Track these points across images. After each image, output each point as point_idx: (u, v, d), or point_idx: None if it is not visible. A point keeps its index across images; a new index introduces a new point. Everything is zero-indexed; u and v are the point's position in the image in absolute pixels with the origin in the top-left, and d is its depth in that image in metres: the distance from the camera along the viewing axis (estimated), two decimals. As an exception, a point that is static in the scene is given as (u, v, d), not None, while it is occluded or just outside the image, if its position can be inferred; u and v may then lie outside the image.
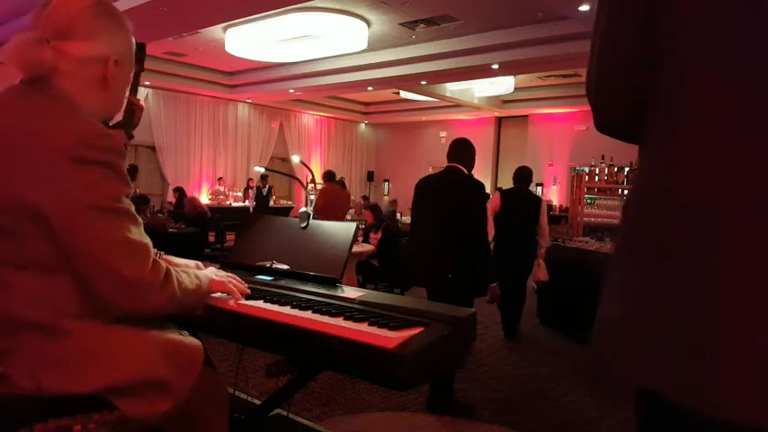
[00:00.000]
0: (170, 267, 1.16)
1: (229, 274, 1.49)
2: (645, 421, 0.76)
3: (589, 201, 6.31)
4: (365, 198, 14.57)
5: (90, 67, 1.16)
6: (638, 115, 0.78)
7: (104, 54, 1.16)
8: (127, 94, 1.49)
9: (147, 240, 1.13)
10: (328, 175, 7.91)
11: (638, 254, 0.72)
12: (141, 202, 7.29)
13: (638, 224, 0.75)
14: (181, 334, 1.24)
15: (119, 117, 1.68)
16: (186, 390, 1.16)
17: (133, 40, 1.26)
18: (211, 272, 1.43)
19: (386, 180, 17.50)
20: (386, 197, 15.83)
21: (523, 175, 5.27)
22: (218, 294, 1.43)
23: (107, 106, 1.24)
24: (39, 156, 1.04)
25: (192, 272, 1.28)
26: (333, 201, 6.98)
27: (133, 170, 2.25)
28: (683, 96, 0.71)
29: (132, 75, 1.31)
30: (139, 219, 1.13)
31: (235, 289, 1.43)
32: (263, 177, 12.15)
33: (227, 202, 13.45)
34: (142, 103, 2.11)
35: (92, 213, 1.04)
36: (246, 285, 1.48)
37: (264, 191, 12.52)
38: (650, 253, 0.70)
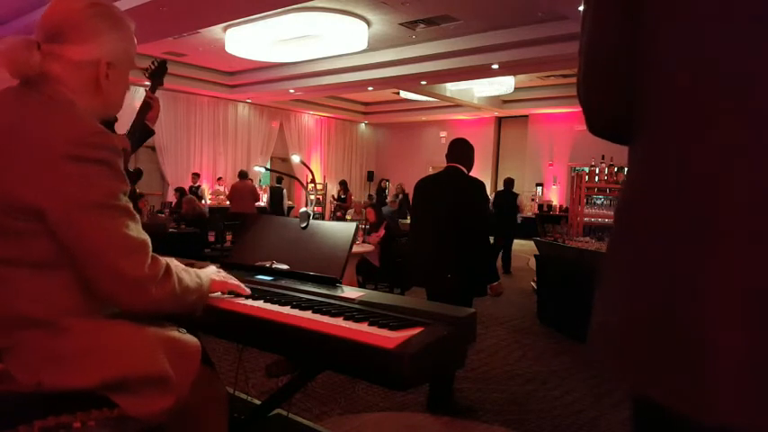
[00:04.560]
0: (170, 264, 1.17)
1: (228, 274, 1.50)
2: (639, 425, 0.76)
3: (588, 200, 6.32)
4: (370, 197, 14.58)
5: (83, 70, 1.15)
6: (628, 115, 0.78)
7: (96, 57, 1.16)
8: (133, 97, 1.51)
9: (146, 237, 1.13)
10: (241, 174, 10.48)
11: (628, 257, 0.72)
12: (137, 197, 7.35)
13: (626, 226, 0.74)
14: (179, 331, 1.24)
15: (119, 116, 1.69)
16: (186, 386, 1.16)
17: (132, 40, 1.25)
18: (212, 271, 1.43)
19: (386, 180, 17.50)
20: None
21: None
22: (218, 294, 1.43)
23: (104, 106, 1.23)
24: (35, 155, 1.05)
25: (192, 271, 1.29)
26: (238, 192, 9.85)
27: (138, 174, 2.24)
28: (666, 96, 0.70)
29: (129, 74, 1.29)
30: (137, 216, 1.14)
31: (239, 284, 1.46)
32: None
33: (227, 203, 13.46)
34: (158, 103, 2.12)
35: (89, 211, 1.05)
36: (246, 286, 1.49)
37: None
38: (639, 256, 0.70)
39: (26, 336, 1.07)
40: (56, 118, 1.09)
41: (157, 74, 2.20)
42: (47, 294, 1.08)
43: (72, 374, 1.06)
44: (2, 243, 1.08)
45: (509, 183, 9.37)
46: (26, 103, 1.12)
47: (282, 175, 12.15)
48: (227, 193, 13.76)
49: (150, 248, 1.13)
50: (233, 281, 1.46)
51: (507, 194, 9.18)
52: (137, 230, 1.11)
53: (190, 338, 1.24)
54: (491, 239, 8.86)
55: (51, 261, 1.08)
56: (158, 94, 2.17)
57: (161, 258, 1.15)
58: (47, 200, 1.03)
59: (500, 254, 8.91)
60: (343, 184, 13.38)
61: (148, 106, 2.09)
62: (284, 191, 12.93)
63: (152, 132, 2.12)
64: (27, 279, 1.08)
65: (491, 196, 9.53)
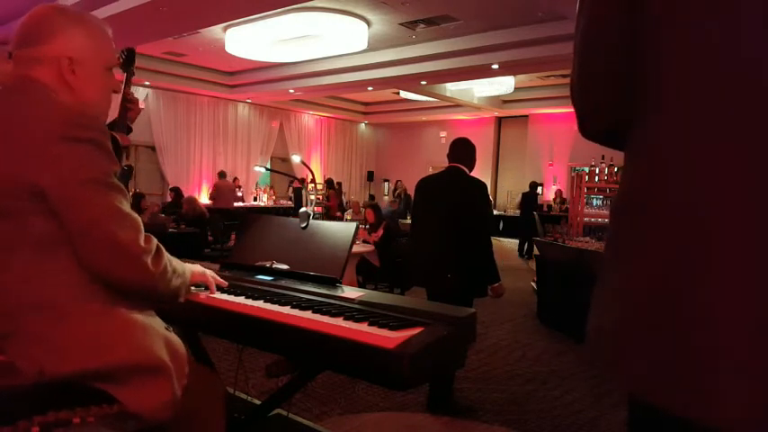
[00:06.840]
0: (160, 244, 1.21)
1: (207, 269, 1.55)
2: (635, 425, 0.76)
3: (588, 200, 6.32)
4: (372, 197, 14.55)
5: (47, 66, 1.20)
6: (626, 117, 0.77)
7: (56, 53, 1.20)
8: (123, 91, 1.51)
9: (138, 217, 1.18)
10: (220, 174, 11.94)
11: (625, 257, 0.72)
12: (138, 197, 7.45)
13: (623, 227, 0.74)
14: (166, 328, 1.25)
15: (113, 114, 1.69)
16: (182, 379, 1.17)
17: (104, 39, 1.28)
18: (191, 265, 1.48)
19: (386, 180, 17.50)
20: (386, 197, 15.81)
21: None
22: (193, 288, 1.47)
23: (85, 104, 1.25)
24: (31, 138, 1.10)
25: (176, 260, 1.33)
26: (219, 191, 11.30)
27: (128, 171, 2.19)
28: (666, 96, 0.70)
29: (117, 74, 1.34)
30: (128, 196, 1.19)
31: (212, 281, 1.51)
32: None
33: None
34: (141, 104, 2.11)
35: (85, 186, 1.10)
36: (245, 285, 1.50)
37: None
38: (636, 256, 0.70)
39: (28, 320, 1.09)
40: (44, 107, 1.15)
41: (128, 63, 2.18)
42: (46, 277, 1.11)
43: (73, 360, 1.07)
44: (4, 225, 1.10)
45: (533, 186, 11.63)
46: (11, 103, 1.17)
47: (283, 174, 12.20)
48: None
49: (143, 227, 1.16)
50: (211, 276, 1.52)
51: (531, 197, 11.24)
52: (129, 208, 1.16)
53: (178, 339, 1.25)
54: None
55: (50, 242, 1.11)
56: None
57: (152, 237, 1.19)
58: (45, 179, 1.08)
59: (524, 244, 11.16)
60: (329, 183, 13.21)
61: (128, 107, 2.09)
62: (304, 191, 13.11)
63: (130, 130, 2.12)
64: (26, 262, 1.10)
65: (517, 199, 12.10)
